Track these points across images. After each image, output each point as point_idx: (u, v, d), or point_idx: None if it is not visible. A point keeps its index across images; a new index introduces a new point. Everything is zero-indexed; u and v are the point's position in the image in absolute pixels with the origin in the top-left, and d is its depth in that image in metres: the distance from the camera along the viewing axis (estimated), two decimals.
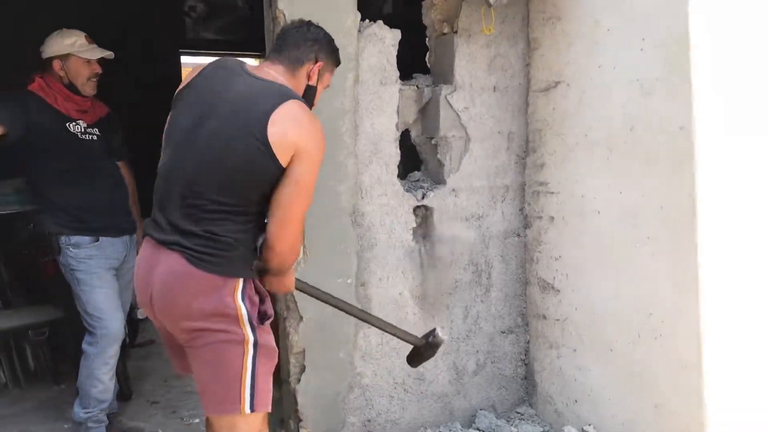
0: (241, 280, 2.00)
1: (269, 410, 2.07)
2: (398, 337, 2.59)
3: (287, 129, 1.94)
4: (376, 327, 2.57)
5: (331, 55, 2.24)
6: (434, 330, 2.57)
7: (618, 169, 2.78)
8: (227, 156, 1.97)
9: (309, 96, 2.18)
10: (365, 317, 2.56)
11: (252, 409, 1.99)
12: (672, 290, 2.58)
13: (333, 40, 2.24)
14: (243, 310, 1.99)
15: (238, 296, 1.99)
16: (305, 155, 1.97)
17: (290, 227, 2.02)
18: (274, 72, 2.12)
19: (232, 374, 1.98)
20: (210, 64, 2.15)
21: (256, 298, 2.05)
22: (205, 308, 1.96)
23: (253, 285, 2.05)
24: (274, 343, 2.08)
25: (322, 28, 2.24)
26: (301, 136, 1.96)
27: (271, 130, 1.93)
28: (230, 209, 1.98)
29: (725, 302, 2.46)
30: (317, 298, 2.39)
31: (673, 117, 2.52)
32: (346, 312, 2.47)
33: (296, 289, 2.27)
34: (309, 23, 2.22)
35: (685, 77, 2.45)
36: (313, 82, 2.18)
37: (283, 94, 2.02)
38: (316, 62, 2.17)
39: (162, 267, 2.00)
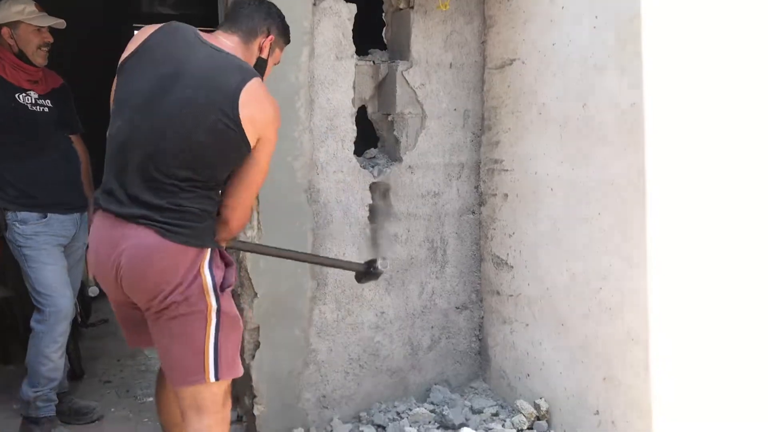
0: (208, 250, 2.02)
1: (237, 376, 2.09)
2: (343, 269, 2.75)
3: (255, 113, 1.99)
4: (321, 265, 2.75)
5: (283, 31, 2.26)
6: (375, 260, 2.62)
7: (570, 146, 2.81)
8: (195, 131, 1.96)
9: (260, 69, 2.18)
10: (306, 258, 2.69)
11: (216, 377, 2.00)
12: (621, 265, 2.63)
13: (284, 17, 2.26)
14: (209, 280, 2.00)
15: (205, 266, 2.00)
16: (267, 140, 2.05)
17: (247, 205, 2.13)
18: (229, 43, 2.12)
19: (196, 345, 2.00)
20: (160, 28, 2.08)
21: (222, 267, 2.07)
22: (176, 279, 1.96)
23: (218, 254, 2.07)
24: (237, 312, 2.10)
25: (274, 4, 2.25)
26: (267, 121, 2.03)
27: (242, 112, 1.96)
28: (197, 183, 1.99)
29: (673, 277, 2.51)
30: (252, 252, 2.46)
31: (624, 94, 2.55)
32: (288, 258, 2.55)
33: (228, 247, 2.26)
34: None
35: (636, 54, 2.48)
36: (264, 55, 2.20)
37: (246, 70, 2.04)
38: (268, 35, 2.19)
39: (131, 241, 1.96)
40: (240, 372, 2.10)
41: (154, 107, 1.97)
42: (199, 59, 2.01)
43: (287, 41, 2.31)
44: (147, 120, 1.97)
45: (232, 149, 2.01)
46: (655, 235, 2.51)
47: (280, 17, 2.24)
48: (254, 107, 1.98)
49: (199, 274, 1.99)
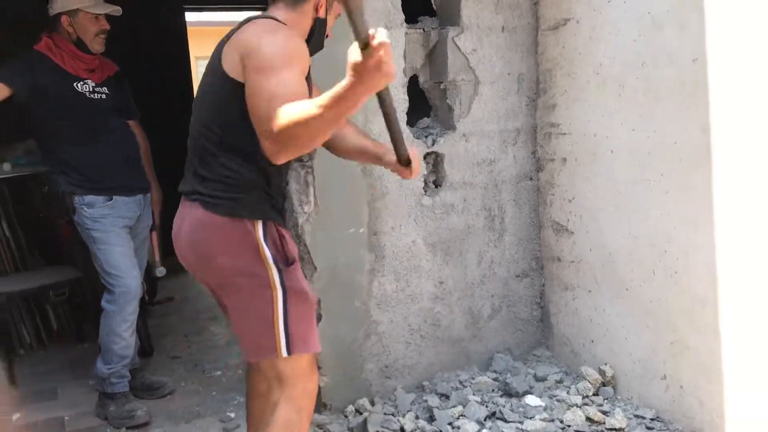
0: (260, 222, 1.97)
1: (312, 351, 2.04)
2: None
3: (236, 38, 1.89)
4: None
5: None
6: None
7: (629, 106, 2.73)
8: (204, 99, 1.99)
9: (320, 29, 2.08)
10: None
11: (289, 352, 1.96)
12: (686, 227, 2.55)
13: None
14: (266, 251, 1.95)
15: (260, 237, 1.95)
16: (251, 49, 1.82)
17: (267, 135, 1.73)
18: (270, 12, 2.04)
19: (265, 319, 1.96)
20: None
21: (279, 241, 2.00)
22: (230, 254, 1.95)
23: (274, 227, 2.00)
24: (304, 285, 2.04)
25: None
26: (247, 35, 1.87)
27: (224, 52, 1.91)
28: (225, 149, 1.94)
29: (740, 237, 2.43)
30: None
31: (685, 50, 2.46)
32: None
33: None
34: None
35: (696, 8, 2.39)
36: (322, 14, 2.06)
37: (247, 20, 1.95)
38: None
39: (187, 220, 2.02)
40: (316, 347, 2.05)
41: (198, 91, 2.07)
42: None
43: None
44: (195, 105, 2.06)
45: (225, 95, 1.90)
46: (721, 194, 2.42)
47: None
48: (234, 40, 1.89)
49: (254, 248, 1.95)
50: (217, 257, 1.97)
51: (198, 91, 2.07)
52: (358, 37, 1.43)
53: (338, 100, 1.55)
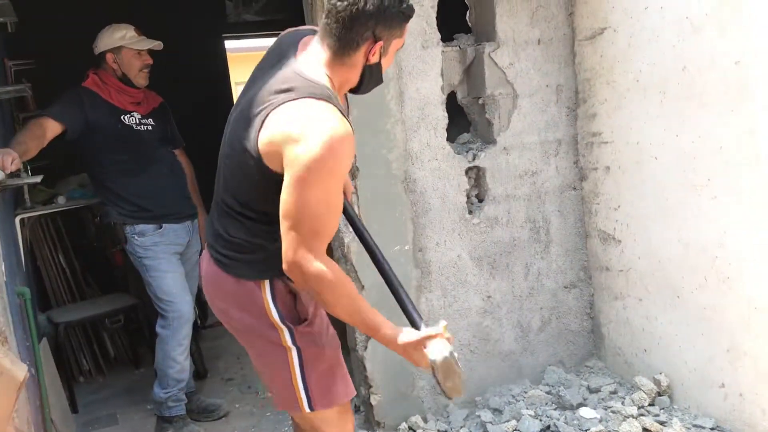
0: (267, 282, 1.91)
1: (338, 403, 1.99)
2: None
3: (270, 133, 1.72)
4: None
5: (395, 22, 1.80)
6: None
7: (672, 112, 2.70)
8: (228, 160, 1.89)
9: (374, 74, 1.88)
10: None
11: (311, 408, 1.94)
12: (737, 231, 2.51)
13: (391, 3, 1.77)
14: (273, 312, 1.91)
15: (267, 297, 1.91)
16: (290, 165, 1.68)
17: (291, 245, 1.70)
18: (318, 57, 1.82)
19: (283, 377, 1.95)
20: (273, 43, 1.98)
21: (289, 299, 1.95)
22: (241, 311, 1.94)
23: (283, 285, 1.93)
24: (319, 340, 1.96)
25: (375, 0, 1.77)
26: (284, 139, 1.69)
27: (262, 135, 1.74)
28: (240, 213, 1.88)
29: None
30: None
31: (726, 52, 2.43)
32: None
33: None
34: None
35: (737, 9, 2.36)
36: (372, 61, 1.83)
37: (289, 91, 1.74)
38: (376, 41, 1.79)
39: (204, 267, 2.04)
40: (344, 397, 2.00)
41: (224, 139, 1.95)
42: (258, 86, 1.84)
43: (406, 19, 1.83)
44: (222, 149, 1.96)
45: (250, 171, 1.79)
46: None
47: (385, 7, 1.76)
48: (272, 126, 1.72)
49: (262, 308, 1.91)
50: (230, 311, 1.97)
51: (227, 147, 1.91)
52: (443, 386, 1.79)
53: (374, 334, 1.84)
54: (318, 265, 1.70)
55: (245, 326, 1.96)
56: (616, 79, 2.96)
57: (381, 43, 1.80)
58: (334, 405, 1.99)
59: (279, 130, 1.71)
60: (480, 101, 3.14)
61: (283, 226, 1.71)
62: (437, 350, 1.76)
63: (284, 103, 1.73)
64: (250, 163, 1.77)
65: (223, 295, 1.97)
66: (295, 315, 1.95)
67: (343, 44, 1.78)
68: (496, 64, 3.07)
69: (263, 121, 1.74)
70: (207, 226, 2.07)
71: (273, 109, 1.74)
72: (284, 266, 1.73)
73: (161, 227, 3.17)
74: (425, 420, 2.97)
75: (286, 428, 3.15)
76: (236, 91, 6.82)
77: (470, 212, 3.10)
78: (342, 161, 1.71)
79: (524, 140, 3.15)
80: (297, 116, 1.70)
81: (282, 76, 1.79)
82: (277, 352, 1.93)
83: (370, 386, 2.96)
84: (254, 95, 1.82)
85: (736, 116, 2.43)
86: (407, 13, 1.82)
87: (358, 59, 1.82)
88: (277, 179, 1.72)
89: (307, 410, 1.94)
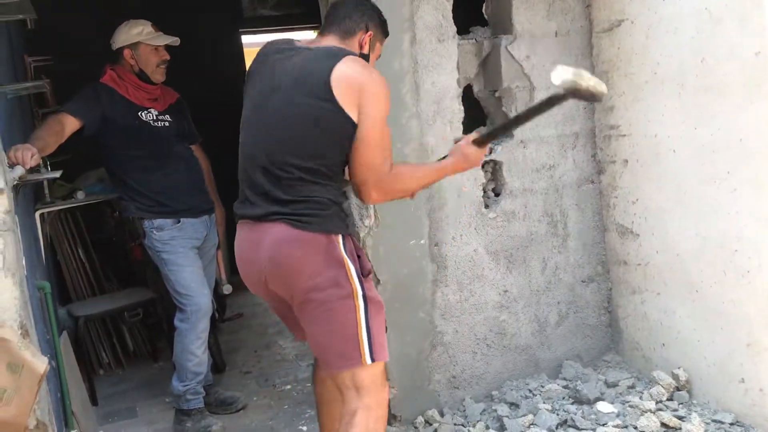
0: (341, 236, 2.09)
1: (387, 359, 2.14)
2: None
3: (346, 83, 2.01)
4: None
5: (381, 25, 2.30)
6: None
7: (691, 105, 2.67)
8: (297, 122, 2.06)
9: None
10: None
11: (372, 359, 2.06)
12: (757, 224, 2.48)
13: (381, 12, 2.31)
14: (350, 263, 2.07)
15: (342, 250, 2.07)
16: (368, 112, 2.03)
17: (370, 183, 2.08)
18: (328, 42, 2.20)
19: (349, 329, 2.06)
20: (261, 49, 2.25)
21: (356, 255, 2.13)
22: (317, 267, 2.04)
23: (351, 241, 2.14)
24: (379, 296, 2.16)
25: (369, 1, 2.32)
26: (361, 87, 2.02)
27: (335, 88, 2.01)
28: (314, 172, 2.06)
29: None
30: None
31: (746, 44, 2.40)
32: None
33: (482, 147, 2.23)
34: None
35: (757, 0, 2.33)
36: (365, 51, 2.23)
37: (337, 53, 2.09)
38: (367, 32, 2.23)
39: (269, 239, 2.08)
40: (387, 356, 2.14)
41: (262, 115, 2.15)
42: (295, 61, 2.12)
43: (386, 34, 2.35)
44: (259, 128, 2.15)
45: (335, 130, 2.04)
46: None
47: (376, 12, 2.29)
48: (345, 79, 2.02)
49: (339, 261, 2.06)
50: (306, 271, 2.05)
51: (271, 110, 2.13)
52: (489, 140, 2.25)
53: (441, 173, 2.24)
54: (393, 173, 2.10)
55: (321, 282, 2.04)
56: (633, 72, 2.94)
57: (371, 33, 2.23)
58: (387, 357, 2.14)
59: (351, 77, 2.02)
60: (496, 94, 3.13)
61: (362, 168, 2.06)
62: (558, 74, 1.82)
63: (344, 55, 2.07)
64: (329, 117, 2.02)
65: (300, 255, 2.05)
66: (361, 268, 2.12)
67: (344, 29, 2.20)
68: (512, 56, 3.05)
69: (329, 78, 2.02)
70: (253, 203, 2.13)
71: (338, 60, 2.04)
72: (369, 200, 2.13)
73: (179, 222, 3.19)
74: (441, 414, 2.97)
75: (304, 420, 3.17)
76: None
77: (487, 206, 3.09)
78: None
79: (541, 133, 3.13)
80: (363, 70, 2.05)
81: (323, 50, 2.13)
82: (348, 304, 2.06)
83: (387, 380, 2.96)
84: (301, 65, 2.10)
85: (756, 108, 2.40)
86: (386, 27, 2.33)
87: (354, 46, 2.20)
88: (351, 123, 2.03)
89: (369, 361, 2.06)
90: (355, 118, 2.02)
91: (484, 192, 3.10)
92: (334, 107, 2.01)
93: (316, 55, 2.11)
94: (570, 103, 3.14)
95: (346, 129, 2.03)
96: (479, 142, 2.21)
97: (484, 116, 3.28)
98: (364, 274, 2.11)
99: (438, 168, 2.24)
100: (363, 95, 2.01)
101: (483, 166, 3.07)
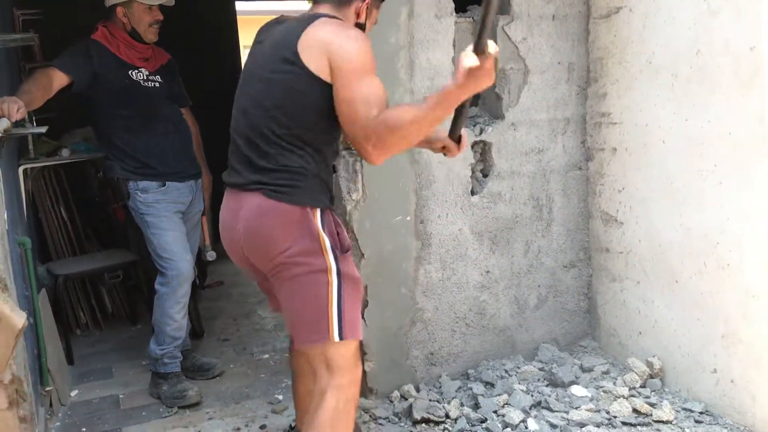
0: (318, 209, 2.05)
1: (359, 338, 2.11)
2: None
3: (312, 40, 1.96)
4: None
5: None
6: None
7: (683, 96, 2.68)
8: (273, 90, 2.04)
9: None
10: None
11: (341, 337, 2.03)
12: (740, 219, 2.51)
13: None
14: (325, 238, 2.04)
15: (318, 224, 2.04)
16: (339, 66, 1.93)
17: (361, 137, 1.91)
18: (318, 11, 2.13)
19: (319, 304, 2.03)
20: (259, 28, 2.24)
21: (335, 228, 2.09)
22: (291, 238, 2.02)
23: (330, 215, 2.10)
24: (357, 273, 2.13)
25: None
26: (327, 42, 1.94)
27: (300, 47, 1.97)
28: (293, 139, 2.03)
29: None
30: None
31: (742, 37, 2.40)
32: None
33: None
34: None
35: None
36: (362, 20, 2.18)
37: (315, 17, 2.04)
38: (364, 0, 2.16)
39: (245, 207, 2.07)
40: (360, 335, 2.11)
41: (246, 90, 2.15)
42: (274, 35, 2.11)
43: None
44: (243, 101, 2.15)
45: (304, 92, 1.99)
46: None
47: None
48: (312, 40, 1.96)
49: (314, 234, 2.03)
50: (278, 242, 2.03)
51: (253, 80, 2.12)
52: (481, 44, 1.73)
53: (448, 100, 1.84)
54: (380, 119, 1.87)
55: (293, 254, 2.01)
56: (628, 60, 2.94)
57: (368, 1, 2.14)
58: (358, 337, 2.09)
59: (319, 38, 1.95)
60: None
61: (349, 126, 1.92)
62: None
63: (317, 19, 2.01)
64: (295, 78, 1.97)
65: (274, 226, 2.02)
66: (339, 243, 2.08)
67: None
68: (509, 37, 3.04)
69: (298, 36, 1.97)
70: (238, 171, 2.11)
71: (308, 24, 1.98)
72: (371, 158, 1.93)
73: (164, 185, 3.16)
74: (417, 389, 3.00)
75: (280, 390, 3.19)
76: (244, 53, 6.78)
77: (474, 187, 3.09)
78: (372, 53, 1.97)
79: (533, 117, 3.13)
80: (333, 29, 1.97)
81: (302, 18, 2.06)
82: (319, 278, 2.02)
83: (365, 353, 2.97)
84: (280, 33, 2.06)
85: (748, 103, 2.42)
86: None
87: (350, 14, 2.13)
88: (321, 83, 1.95)
89: (337, 338, 2.02)
90: (327, 78, 1.95)
91: (473, 172, 3.10)
92: (301, 70, 1.96)
93: (293, 24, 2.07)
94: (563, 88, 3.16)
95: (315, 90, 1.97)
96: (476, 48, 1.77)
97: (476, 97, 3.26)
98: (342, 250, 2.08)
99: (439, 96, 1.85)
100: (332, 53, 1.94)
101: (473, 147, 3.07)
